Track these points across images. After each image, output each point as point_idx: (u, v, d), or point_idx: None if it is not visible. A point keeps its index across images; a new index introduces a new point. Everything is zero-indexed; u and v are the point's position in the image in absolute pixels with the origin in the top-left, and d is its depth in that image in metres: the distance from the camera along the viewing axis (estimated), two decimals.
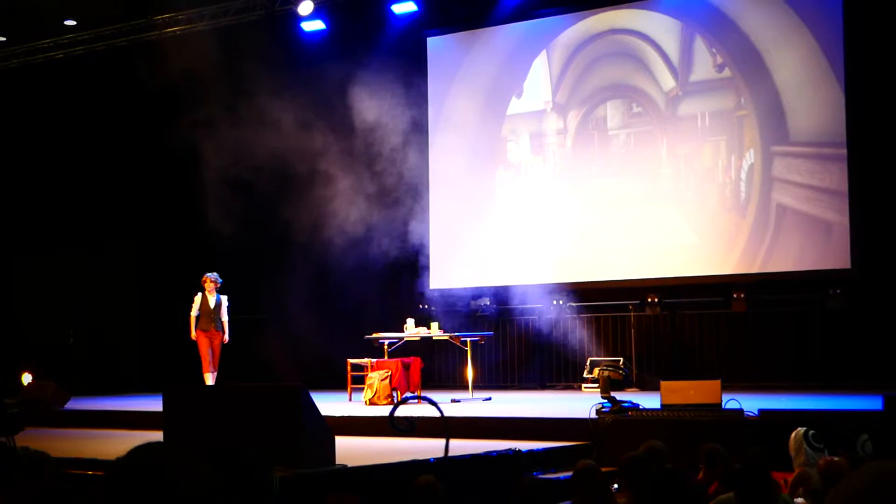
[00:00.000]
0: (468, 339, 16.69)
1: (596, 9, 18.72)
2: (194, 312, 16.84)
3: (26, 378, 18.05)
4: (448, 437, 7.28)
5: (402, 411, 9.34)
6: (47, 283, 21.79)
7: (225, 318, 16.91)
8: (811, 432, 8.33)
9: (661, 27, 18.14)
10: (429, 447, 10.15)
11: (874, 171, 16.37)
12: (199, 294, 16.89)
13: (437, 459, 9.40)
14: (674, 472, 6.18)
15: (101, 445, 12.44)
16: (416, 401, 8.99)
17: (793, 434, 8.40)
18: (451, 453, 9.63)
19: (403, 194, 18.92)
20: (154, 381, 18.83)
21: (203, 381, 16.58)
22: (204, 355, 16.78)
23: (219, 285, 16.94)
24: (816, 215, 16.65)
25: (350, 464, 9.74)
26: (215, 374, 16.77)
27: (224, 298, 16.93)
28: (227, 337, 16.90)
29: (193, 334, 16.83)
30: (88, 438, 13.67)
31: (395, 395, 15.68)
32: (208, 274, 17.00)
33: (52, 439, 12.69)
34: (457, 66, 19.93)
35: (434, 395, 16.10)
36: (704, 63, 17.74)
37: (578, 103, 18.82)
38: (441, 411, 8.18)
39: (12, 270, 22.19)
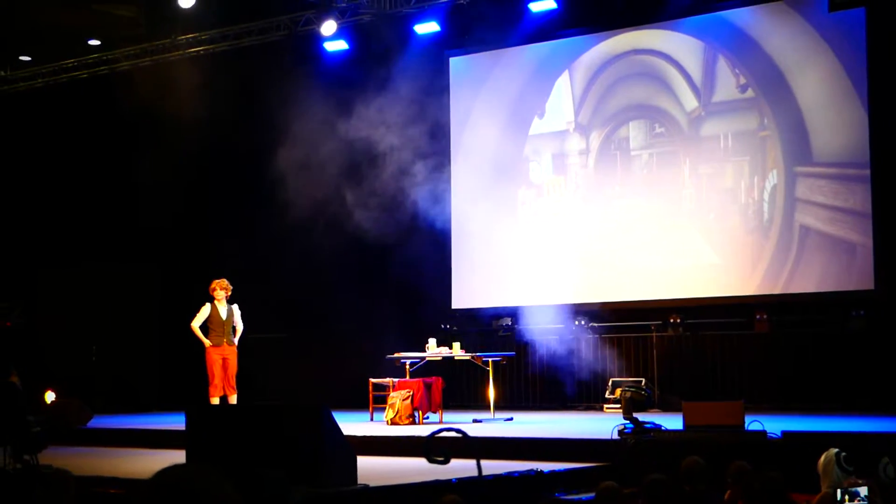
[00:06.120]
0: (490, 360, 16.67)
1: (618, 29, 18.73)
2: (196, 323, 15.77)
3: (49, 396, 18.09)
4: (479, 459, 7.27)
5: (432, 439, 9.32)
6: (70, 300, 21.84)
7: (240, 325, 15.95)
8: (843, 454, 8.27)
9: (683, 48, 18.14)
10: (451, 468, 10.13)
11: None
12: (208, 304, 15.90)
13: (460, 480, 9.40)
14: (697, 494, 6.16)
15: (123, 464, 12.48)
16: (443, 433, 8.96)
17: (823, 455, 8.34)
18: (471, 474, 9.62)
19: (425, 213, 18.91)
20: (176, 400, 18.82)
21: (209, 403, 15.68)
22: (213, 376, 15.77)
23: (230, 292, 15.95)
24: (840, 236, 16.59)
25: (372, 484, 9.74)
26: (234, 395, 15.83)
27: (235, 307, 15.99)
28: (235, 340, 15.93)
29: (207, 342, 15.75)
30: (111, 457, 13.69)
31: (416, 414, 15.66)
32: (218, 280, 16.03)
33: (74, 457, 12.72)
34: (479, 85, 19.96)
35: (455, 415, 16.23)
36: (727, 83, 17.72)
37: (601, 123, 18.81)
38: (467, 436, 8.17)
39: (36, 287, 22.26)
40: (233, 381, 15.91)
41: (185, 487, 2.32)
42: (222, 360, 15.87)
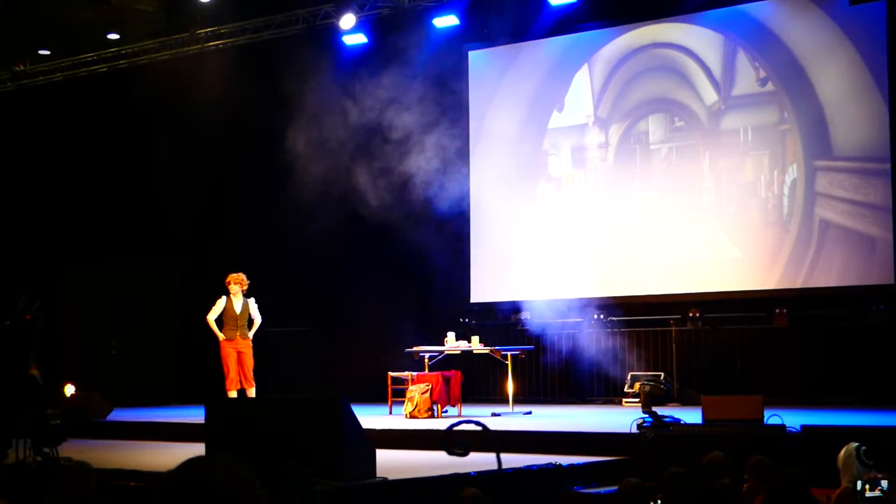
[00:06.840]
0: (509, 353, 16.66)
1: (637, 23, 18.68)
2: (212, 316, 15.91)
3: (69, 389, 18.12)
4: (499, 452, 7.27)
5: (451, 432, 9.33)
6: (91, 293, 21.90)
7: (258, 319, 16.01)
8: (863, 448, 8.24)
9: (703, 41, 18.09)
10: (470, 461, 10.13)
11: None
12: (224, 297, 16.00)
13: (479, 473, 9.40)
14: (717, 488, 6.15)
15: (143, 457, 12.52)
16: (463, 425, 8.96)
17: (843, 449, 8.32)
18: (490, 467, 9.61)
19: (444, 207, 18.89)
20: (196, 393, 18.85)
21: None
22: (228, 370, 15.81)
23: (246, 286, 16.01)
24: (860, 230, 16.54)
25: (391, 477, 9.74)
26: (252, 388, 15.89)
27: (251, 301, 16.08)
28: (251, 333, 16.00)
29: (221, 335, 15.84)
30: (130, 450, 13.74)
31: (435, 408, 15.67)
32: (234, 274, 16.09)
33: (94, 450, 12.77)
34: (498, 79, 19.94)
35: (474, 409, 16.22)
36: (747, 77, 17.67)
37: (620, 117, 18.77)
38: (487, 429, 8.18)
39: (57, 280, 22.31)
40: (250, 375, 15.93)
41: (209, 479, 2.32)
42: (237, 354, 15.92)
